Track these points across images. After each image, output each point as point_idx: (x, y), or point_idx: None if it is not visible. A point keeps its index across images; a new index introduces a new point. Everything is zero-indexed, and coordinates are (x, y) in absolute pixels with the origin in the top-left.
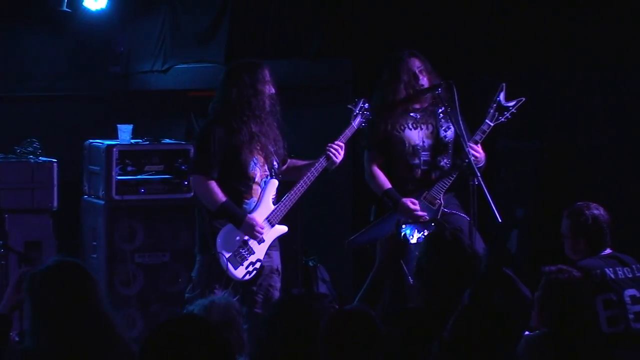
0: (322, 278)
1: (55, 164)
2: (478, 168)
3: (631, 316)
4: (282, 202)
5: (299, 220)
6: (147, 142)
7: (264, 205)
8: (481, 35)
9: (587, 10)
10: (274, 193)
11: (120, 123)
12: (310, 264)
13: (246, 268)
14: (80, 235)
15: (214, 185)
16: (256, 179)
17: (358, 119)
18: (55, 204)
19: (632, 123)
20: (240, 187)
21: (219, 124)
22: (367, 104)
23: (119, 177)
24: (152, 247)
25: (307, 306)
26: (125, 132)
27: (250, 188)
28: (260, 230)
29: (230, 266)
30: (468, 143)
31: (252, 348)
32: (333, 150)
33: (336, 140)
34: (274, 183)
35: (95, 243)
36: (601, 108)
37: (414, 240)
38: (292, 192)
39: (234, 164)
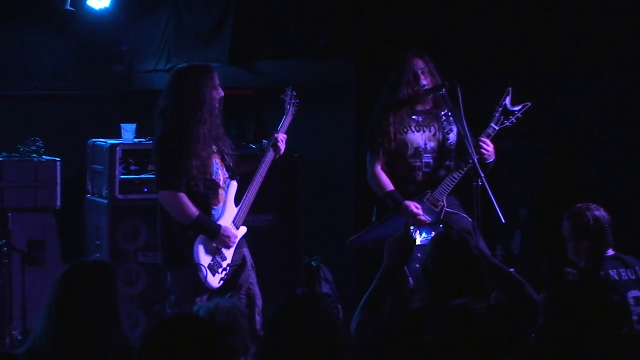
0: (325, 278)
1: (58, 163)
2: (488, 163)
3: (635, 317)
4: (243, 203)
5: (302, 221)
6: (151, 142)
7: (229, 209)
8: (486, 37)
9: (590, 11)
10: (234, 194)
11: (124, 122)
12: (313, 264)
13: (220, 274)
14: (84, 234)
15: (185, 199)
16: (220, 184)
17: (291, 108)
18: (59, 202)
19: (635, 124)
20: (208, 194)
21: (177, 131)
22: (294, 92)
23: (122, 176)
24: (155, 247)
25: (310, 306)
26: (128, 132)
27: (217, 194)
28: (234, 240)
29: (209, 276)
30: (480, 137)
31: (255, 349)
32: (279, 142)
33: (279, 131)
34: (234, 185)
35: (98, 242)
36: (605, 109)
37: (417, 242)
38: (250, 191)
39: (199, 171)
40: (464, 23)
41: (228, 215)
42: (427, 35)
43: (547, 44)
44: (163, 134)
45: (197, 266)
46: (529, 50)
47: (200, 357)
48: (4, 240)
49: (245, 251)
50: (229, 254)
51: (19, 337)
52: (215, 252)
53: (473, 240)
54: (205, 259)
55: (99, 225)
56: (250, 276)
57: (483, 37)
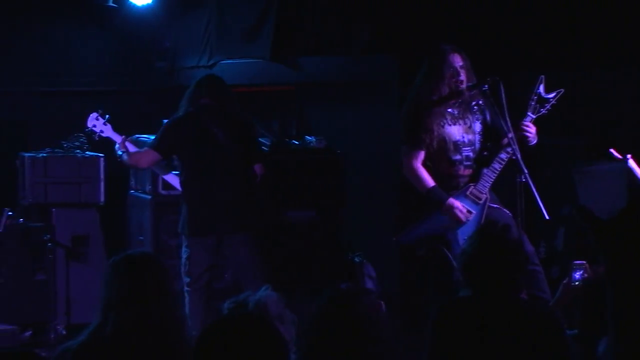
0: (368, 274)
1: (102, 159)
2: (530, 146)
3: None
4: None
5: (344, 217)
6: None
7: None
8: (524, 33)
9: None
10: None
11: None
12: (356, 260)
13: None
14: (127, 230)
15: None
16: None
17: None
18: (102, 198)
19: None
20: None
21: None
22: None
23: None
24: None
25: (354, 301)
26: None
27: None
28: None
29: None
30: (523, 120)
31: (298, 343)
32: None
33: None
34: None
35: (141, 237)
36: None
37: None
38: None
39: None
40: (505, 18)
41: None
42: (466, 31)
43: (587, 40)
44: None
45: None
46: (568, 46)
47: (257, 353)
48: (48, 236)
49: None
50: None
51: (63, 332)
52: None
53: (514, 233)
54: None
55: (142, 221)
56: None
57: (522, 33)
